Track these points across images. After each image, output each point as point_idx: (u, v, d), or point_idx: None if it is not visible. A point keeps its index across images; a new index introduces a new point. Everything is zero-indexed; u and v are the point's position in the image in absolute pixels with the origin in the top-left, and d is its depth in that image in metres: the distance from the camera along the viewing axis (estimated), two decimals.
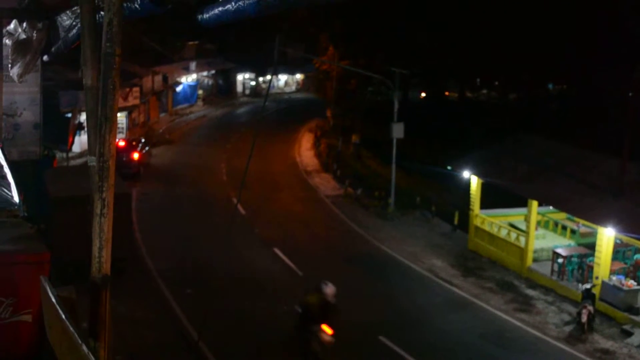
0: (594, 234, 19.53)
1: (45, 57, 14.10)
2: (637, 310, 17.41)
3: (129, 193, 20.22)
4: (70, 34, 11.34)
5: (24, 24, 11.98)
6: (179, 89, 56.89)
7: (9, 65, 12.77)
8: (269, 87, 33.67)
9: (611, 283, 17.87)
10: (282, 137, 44.44)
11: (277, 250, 22.07)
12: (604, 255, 18.14)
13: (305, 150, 42.01)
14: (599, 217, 18.20)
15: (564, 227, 22.31)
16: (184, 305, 17.34)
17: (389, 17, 41.99)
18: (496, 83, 65.37)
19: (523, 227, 21.53)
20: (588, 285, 17.42)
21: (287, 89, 76.68)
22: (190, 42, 59.09)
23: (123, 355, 13.01)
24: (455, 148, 32.04)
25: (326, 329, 13.87)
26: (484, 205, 23.30)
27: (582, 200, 19.17)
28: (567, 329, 17.23)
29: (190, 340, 15.15)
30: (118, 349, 12.42)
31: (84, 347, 4.52)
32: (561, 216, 22.67)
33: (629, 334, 16.75)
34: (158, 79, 49.06)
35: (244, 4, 6.82)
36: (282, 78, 76.36)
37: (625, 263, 19.26)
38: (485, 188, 23.05)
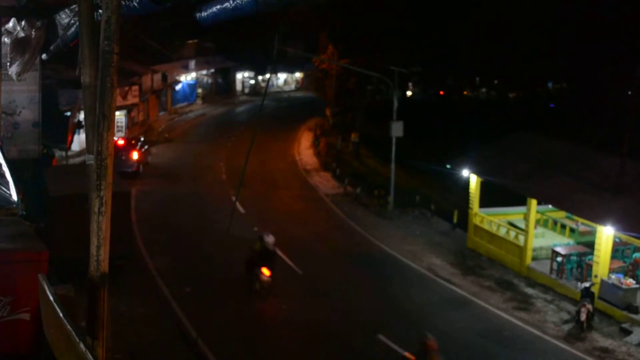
0: (593, 233, 19.53)
1: (44, 56, 14.05)
2: (636, 309, 17.41)
3: (128, 192, 20.22)
4: (69, 32, 11.31)
5: (23, 22, 11.95)
6: (178, 87, 56.91)
7: (8, 64, 12.73)
8: (267, 86, 33.68)
9: (610, 281, 17.87)
10: (282, 136, 44.43)
11: (276, 249, 22.03)
12: (603, 254, 18.14)
13: (304, 149, 42.00)
14: (598, 216, 18.20)
15: (563, 226, 22.31)
16: (183, 304, 17.35)
17: (389, 16, 41.96)
18: (495, 82, 65.47)
19: (522, 225, 21.54)
20: (587, 284, 17.42)
21: (287, 88, 76.65)
22: (190, 41, 59.08)
23: (122, 354, 13.01)
24: (455, 146, 32.05)
25: (265, 271, 17.38)
26: (483, 203, 23.30)
27: (582, 199, 19.17)
28: (566, 327, 17.23)
29: (189, 338, 15.16)
30: (117, 347, 12.44)
31: (82, 345, 4.52)
32: (560, 215, 22.67)
33: (627, 332, 16.76)
34: (157, 77, 49.05)
35: (242, 1, 6.80)
36: (282, 77, 76.34)
37: (625, 262, 19.26)
38: (484, 186, 23.05)
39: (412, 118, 33.54)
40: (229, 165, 34.61)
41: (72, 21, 10.81)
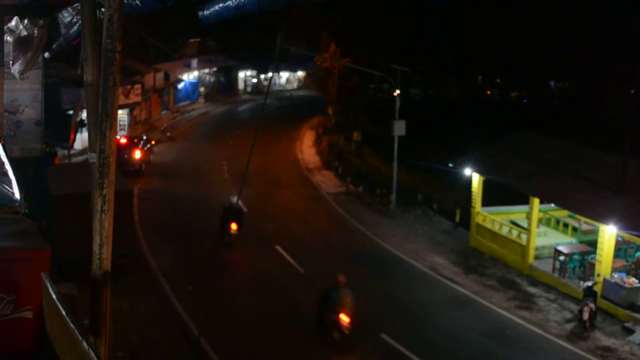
0: (595, 232, 19.52)
1: (46, 54, 14.07)
2: (639, 308, 17.39)
3: (130, 190, 20.25)
4: (71, 31, 11.32)
5: (25, 21, 11.96)
6: (180, 86, 56.92)
7: (11, 62, 12.77)
8: (269, 85, 33.67)
9: (613, 281, 17.85)
10: (284, 135, 44.42)
11: (278, 248, 22.08)
12: (605, 253, 18.12)
13: (306, 148, 41.99)
14: (600, 215, 18.18)
15: (566, 225, 22.29)
16: (185, 302, 17.37)
17: (390, 15, 41.99)
18: (497, 81, 65.39)
19: (525, 224, 21.52)
20: (590, 283, 17.42)
21: (289, 87, 76.63)
22: (192, 40, 59.09)
23: (125, 352, 13.02)
24: (457, 145, 32.01)
25: (233, 225, 21.20)
26: (486, 202, 23.28)
27: (584, 198, 19.15)
28: (569, 326, 17.22)
29: (191, 336, 15.17)
30: (119, 345, 12.45)
31: (84, 344, 4.52)
32: (563, 213, 22.65)
33: (630, 331, 16.74)
34: (159, 76, 49.06)
35: (244, 0, 6.80)
36: (284, 75, 76.33)
37: (627, 261, 19.23)
38: (486, 185, 23.03)
39: (414, 117, 33.53)
40: (231, 164, 34.61)
41: (75, 20, 10.81)
